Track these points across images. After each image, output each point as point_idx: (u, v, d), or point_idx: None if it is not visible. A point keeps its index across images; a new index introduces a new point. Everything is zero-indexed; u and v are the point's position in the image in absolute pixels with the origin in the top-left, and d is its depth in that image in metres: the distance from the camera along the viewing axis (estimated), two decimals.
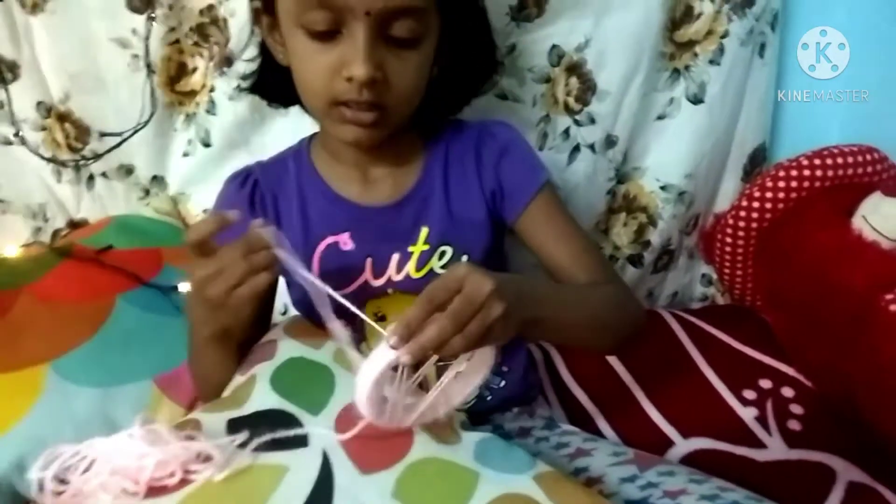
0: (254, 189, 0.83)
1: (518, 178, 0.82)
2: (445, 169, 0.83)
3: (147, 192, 1.14)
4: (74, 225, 1.14)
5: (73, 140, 1.07)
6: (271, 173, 0.84)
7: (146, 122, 1.05)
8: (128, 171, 1.12)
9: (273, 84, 0.82)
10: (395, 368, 0.55)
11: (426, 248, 0.81)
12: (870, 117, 1.07)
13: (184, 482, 0.55)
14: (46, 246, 1.09)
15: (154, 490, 0.55)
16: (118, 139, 1.06)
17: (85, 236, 1.07)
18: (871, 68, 1.03)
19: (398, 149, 0.81)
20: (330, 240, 0.81)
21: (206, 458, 0.56)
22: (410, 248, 0.81)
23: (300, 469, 0.57)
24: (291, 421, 0.62)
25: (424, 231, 0.81)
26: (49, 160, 1.07)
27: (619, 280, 0.87)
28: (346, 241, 0.81)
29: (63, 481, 0.56)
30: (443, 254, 0.82)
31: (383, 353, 0.54)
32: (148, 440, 0.54)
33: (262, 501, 0.53)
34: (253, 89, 0.85)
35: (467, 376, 0.62)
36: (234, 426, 0.60)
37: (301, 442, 0.60)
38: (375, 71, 0.67)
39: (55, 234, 1.13)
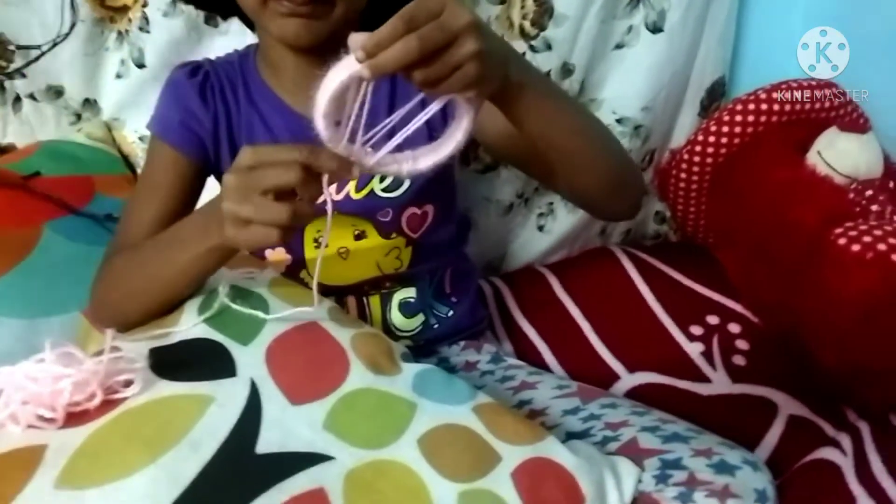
0: (204, 81, 0.78)
1: None
2: (392, 89, 0.79)
3: (78, 117, 1.08)
4: (1, 150, 1.07)
5: None
6: (221, 70, 0.80)
7: (66, 35, 0.98)
8: (57, 92, 1.05)
9: None
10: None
11: None
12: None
13: (106, 405, 0.52)
14: None
15: (74, 417, 0.52)
16: (38, 52, 0.98)
17: (12, 161, 1.01)
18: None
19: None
20: None
21: (127, 384, 0.53)
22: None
23: (226, 399, 0.54)
24: (219, 351, 0.59)
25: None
26: None
27: None
28: None
29: None
30: (384, 176, 0.78)
31: (347, 63, 0.50)
32: (62, 363, 0.51)
33: (186, 431, 0.51)
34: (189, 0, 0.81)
35: (441, 142, 0.57)
36: (157, 355, 0.57)
37: (228, 371, 0.57)
38: None
39: None
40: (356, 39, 0.49)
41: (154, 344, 0.59)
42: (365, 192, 0.78)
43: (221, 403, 0.54)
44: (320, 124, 0.53)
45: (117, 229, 0.79)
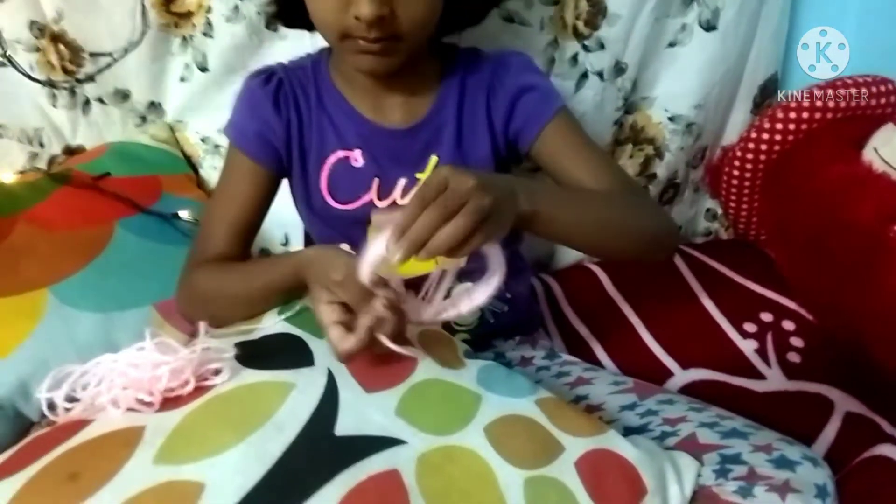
0: (278, 88, 0.80)
1: (531, 107, 0.80)
2: (460, 100, 0.81)
3: (144, 119, 1.13)
4: (71, 151, 1.12)
5: (67, 62, 1.04)
6: (294, 76, 0.82)
7: (137, 42, 1.02)
8: (124, 96, 1.09)
9: (292, 11, 0.79)
10: None
11: None
12: None
13: (197, 391, 0.55)
14: (43, 172, 1.08)
15: (169, 401, 0.55)
16: (111, 59, 1.03)
17: (82, 162, 1.06)
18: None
19: (413, 75, 0.79)
20: (341, 154, 0.80)
21: (216, 372, 0.56)
22: (418, 175, 0.80)
23: (306, 386, 0.57)
24: (298, 344, 0.62)
25: (434, 159, 0.80)
26: (42, 83, 1.04)
27: (640, 190, 0.87)
28: (356, 158, 0.80)
29: (73, 399, 0.56)
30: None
31: (377, 248, 0.54)
32: (160, 351, 0.54)
33: (270, 414, 0.54)
34: (277, 16, 0.83)
35: (478, 285, 0.61)
36: (242, 348, 0.60)
37: (307, 361, 0.60)
38: (381, 8, 0.65)
39: (51, 160, 1.11)
40: (380, 220, 0.55)
41: (239, 339, 0.62)
42: None
43: (302, 390, 0.56)
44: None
45: (198, 237, 0.82)
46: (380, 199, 0.80)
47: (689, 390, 0.90)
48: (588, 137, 0.82)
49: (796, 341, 0.95)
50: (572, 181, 0.78)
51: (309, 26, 0.82)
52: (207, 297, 0.76)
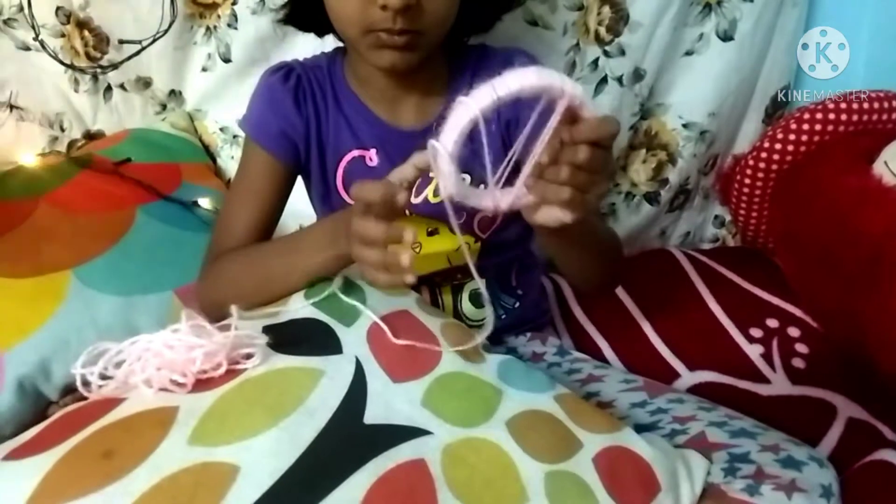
0: (297, 85, 0.81)
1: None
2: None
3: (164, 107, 1.14)
4: (90, 136, 1.13)
5: (91, 49, 1.06)
6: (311, 74, 0.82)
7: (165, 31, 1.03)
8: (145, 83, 1.11)
9: (306, 13, 0.80)
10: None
11: None
12: None
13: (229, 374, 0.56)
14: (64, 155, 1.09)
15: (201, 383, 0.56)
16: (136, 48, 1.04)
17: (103, 148, 1.07)
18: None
19: (427, 74, 0.80)
20: (356, 153, 0.82)
21: (248, 357, 0.57)
22: (431, 174, 0.81)
23: (335, 373, 0.58)
24: (326, 330, 0.63)
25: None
26: (68, 66, 1.05)
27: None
28: (372, 157, 0.81)
29: (104, 377, 0.57)
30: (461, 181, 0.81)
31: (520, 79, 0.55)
32: (195, 334, 0.55)
33: (302, 400, 0.55)
34: (287, 20, 0.83)
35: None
36: (270, 332, 0.61)
37: (335, 349, 0.61)
38: None
39: (71, 144, 1.12)
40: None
41: (266, 322, 0.63)
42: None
43: (331, 377, 0.58)
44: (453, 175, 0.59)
45: (216, 231, 0.82)
46: None
47: (696, 392, 0.91)
48: None
49: (801, 347, 0.97)
50: None
51: (320, 30, 0.83)
52: (226, 288, 0.76)
